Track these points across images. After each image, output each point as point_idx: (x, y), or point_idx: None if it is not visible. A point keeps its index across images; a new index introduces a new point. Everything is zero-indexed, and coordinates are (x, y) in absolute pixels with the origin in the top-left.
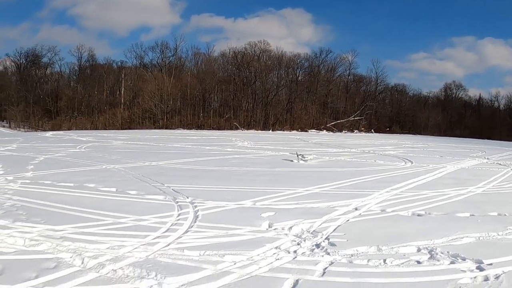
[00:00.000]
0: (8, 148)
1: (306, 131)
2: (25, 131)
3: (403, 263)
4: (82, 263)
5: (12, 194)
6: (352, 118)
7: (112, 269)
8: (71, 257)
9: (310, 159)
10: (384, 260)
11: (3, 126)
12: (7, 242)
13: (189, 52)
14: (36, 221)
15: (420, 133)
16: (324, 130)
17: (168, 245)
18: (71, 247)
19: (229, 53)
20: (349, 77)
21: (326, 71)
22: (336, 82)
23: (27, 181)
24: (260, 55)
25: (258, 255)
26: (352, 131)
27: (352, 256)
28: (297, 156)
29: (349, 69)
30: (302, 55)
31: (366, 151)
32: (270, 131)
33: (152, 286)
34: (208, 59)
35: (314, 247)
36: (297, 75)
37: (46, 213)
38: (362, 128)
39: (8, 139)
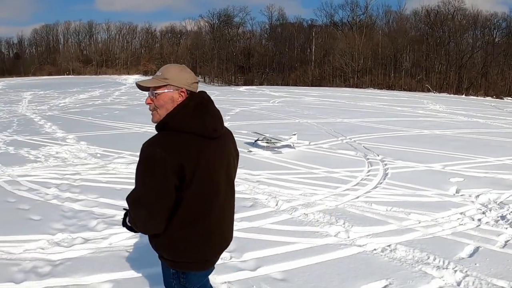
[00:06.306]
0: None
1: (502, 98)
2: (218, 86)
3: None
4: (276, 205)
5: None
6: None
7: (304, 213)
8: (266, 199)
9: (291, 144)
10: None
11: (198, 81)
12: None
13: (380, 10)
14: None
15: None
16: None
17: (357, 197)
18: (266, 190)
19: (422, 11)
20: None
21: None
22: None
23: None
24: (454, 13)
25: (443, 217)
26: None
27: None
28: (255, 141)
29: None
30: (500, 15)
31: None
32: (463, 96)
33: (339, 232)
34: (399, 17)
35: (499, 218)
36: (494, 36)
37: (242, 158)
38: None
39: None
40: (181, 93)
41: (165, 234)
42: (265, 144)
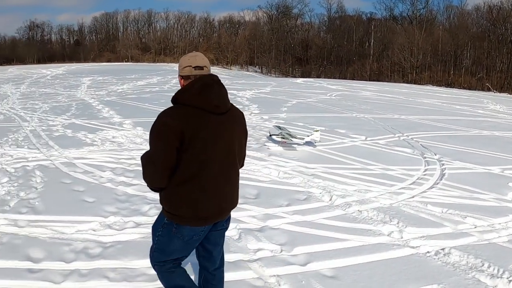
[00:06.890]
0: (263, 91)
1: None
2: (275, 77)
3: None
4: (330, 200)
5: (267, 131)
6: None
7: (358, 210)
8: (320, 193)
9: (312, 141)
10: None
11: (256, 72)
12: (262, 172)
13: (441, 5)
14: (289, 157)
15: None
16: None
17: (413, 197)
18: (321, 184)
19: (484, 7)
20: None
21: None
22: None
23: (281, 121)
24: None
25: (500, 223)
26: None
27: None
28: (270, 135)
29: None
30: None
31: None
32: None
33: (393, 231)
34: (461, 12)
35: None
36: None
37: (297, 151)
38: None
39: (262, 83)
40: (179, 78)
41: (166, 190)
42: (279, 139)
